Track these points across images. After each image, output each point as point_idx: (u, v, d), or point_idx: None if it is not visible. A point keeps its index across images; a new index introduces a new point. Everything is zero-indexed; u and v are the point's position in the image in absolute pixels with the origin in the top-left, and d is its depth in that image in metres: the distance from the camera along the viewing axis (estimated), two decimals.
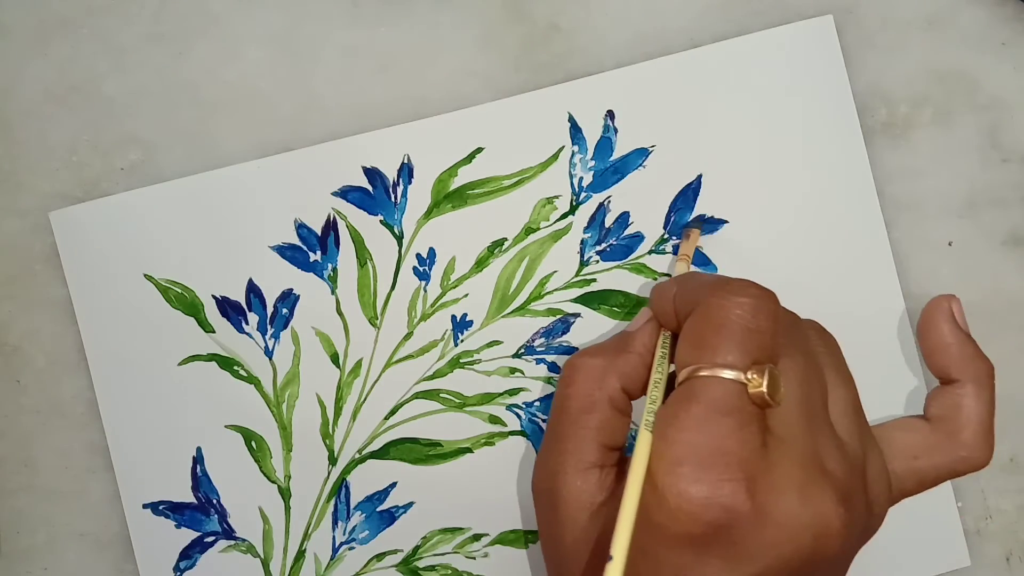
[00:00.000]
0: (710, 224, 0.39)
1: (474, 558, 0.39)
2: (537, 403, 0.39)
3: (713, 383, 0.29)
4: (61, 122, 0.40)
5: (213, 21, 0.40)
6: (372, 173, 0.39)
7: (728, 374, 0.29)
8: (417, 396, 0.39)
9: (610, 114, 0.39)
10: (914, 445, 0.35)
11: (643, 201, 0.39)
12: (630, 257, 0.39)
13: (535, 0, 0.40)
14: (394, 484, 0.39)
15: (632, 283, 0.39)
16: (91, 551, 0.39)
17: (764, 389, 0.29)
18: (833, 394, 0.32)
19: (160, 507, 0.39)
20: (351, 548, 0.39)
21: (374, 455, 0.39)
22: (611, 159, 0.39)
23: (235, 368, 0.39)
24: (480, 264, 0.39)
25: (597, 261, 0.39)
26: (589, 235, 0.39)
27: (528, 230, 0.39)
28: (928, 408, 0.36)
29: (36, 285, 0.39)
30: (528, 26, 0.40)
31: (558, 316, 0.39)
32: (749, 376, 0.29)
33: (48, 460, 0.39)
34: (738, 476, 0.28)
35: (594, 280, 0.39)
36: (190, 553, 0.39)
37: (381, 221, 0.39)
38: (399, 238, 0.39)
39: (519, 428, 0.39)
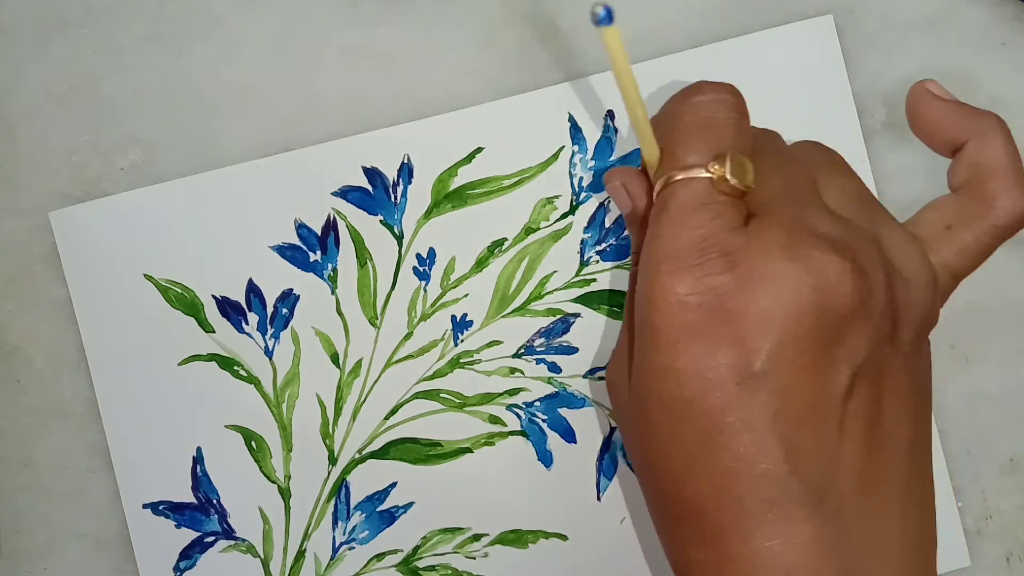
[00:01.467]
0: None
1: (474, 558, 0.39)
2: (537, 403, 0.39)
3: (679, 186, 0.29)
4: (61, 122, 0.40)
5: (213, 21, 0.40)
6: (372, 173, 0.39)
7: (692, 173, 0.29)
8: (417, 396, 0.39)
9: (610, 114, 0.39)
10: (943, 217, 0.32)
11: None
12: (630, 257, 0.39)
13: (535, 0, 0.40)
14: (394, 484, 0.39)
15: None
16: (91, 551, 0.39)
17: (728, 174, 0.28)
18: (830, 182, 0.31)
19: (160, 507, 0.39)
20: (351, 548, 0.39)
21: (374, 455, 0.39)
22: (611, 159, 0.39)
23: (235, 368, 0.39)
24: (480, 264, 0.39)
25: (597, 261, 0.39)
26: (589, 235, 0.39)
27: (528, 230, 0.39)
28: (950, 184, 0.32)
29: (36, 285, 0.39)
30: (528, 26, 0.40)
31: (558, 316, 0.39)
32: (712, 168, 0.29)
33: (48, 460, 0.39)
34: (712, 255, 0.28)
35: (594, 280, 0.39)
36: (190, 553, 0.39)
37: (381, 221, 0.39)
38: (399, 238, 0.39)
39: (519, 428, 0.39)
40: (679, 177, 0.29)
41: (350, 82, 0.40)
